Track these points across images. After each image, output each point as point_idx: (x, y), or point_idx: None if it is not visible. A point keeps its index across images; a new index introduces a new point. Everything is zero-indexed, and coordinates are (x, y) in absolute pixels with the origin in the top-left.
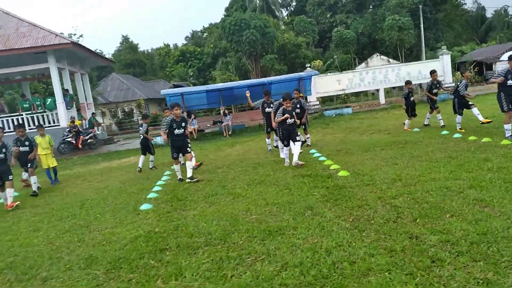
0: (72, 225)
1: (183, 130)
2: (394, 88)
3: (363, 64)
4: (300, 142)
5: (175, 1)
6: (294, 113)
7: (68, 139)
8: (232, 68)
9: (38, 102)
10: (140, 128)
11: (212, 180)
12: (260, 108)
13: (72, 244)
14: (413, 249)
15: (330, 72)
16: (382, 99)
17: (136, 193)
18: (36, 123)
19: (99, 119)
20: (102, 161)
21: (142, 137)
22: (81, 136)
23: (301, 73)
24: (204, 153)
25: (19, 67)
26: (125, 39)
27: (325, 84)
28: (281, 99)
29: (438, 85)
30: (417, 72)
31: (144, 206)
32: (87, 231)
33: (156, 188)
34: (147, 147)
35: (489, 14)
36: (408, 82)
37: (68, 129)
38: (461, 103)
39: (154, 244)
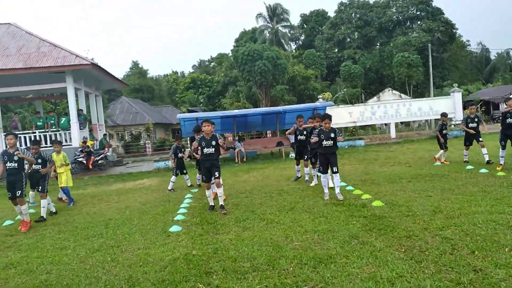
0: (101, 245)
1: (213, 149)
2: (402, 123)
3: (375, 98)
4: (338, 173)
5: (183, 30)
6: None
7: (80, 159)
8: (243, 97)
9: (53, 121)
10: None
11: (238, 204)
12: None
13: (107, 264)
14: (482, 283)
15: (337, 105)
16: (393, 133)
17: (161, 214)
18: (49, 142)
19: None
20: (114, 182)
21: (177, 158)
22: (92, 157)
23: (317, 103)
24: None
25: (36, 86)
26: (135, 64)
27: (336, 116)
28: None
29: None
30: (428, 108)
31: (174, 228)
32: (118, 251)
33: (181, 211)
34: (182, 167)
35: (493, 56)
36: (444, 115)
37: (80, 149)
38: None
39: (196, 267)
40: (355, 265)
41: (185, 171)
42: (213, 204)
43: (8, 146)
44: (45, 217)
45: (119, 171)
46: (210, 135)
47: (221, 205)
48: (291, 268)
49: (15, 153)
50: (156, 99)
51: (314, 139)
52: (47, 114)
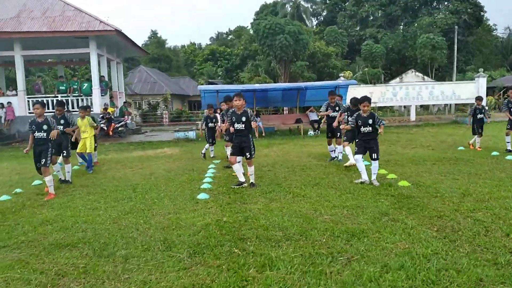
0: (132, 208)
1: (243, 125)
2: (421, 106)
3: (397, 79)
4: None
5: (201, 3)
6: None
7: (101, 125)
8: (262, 71)
9: (76, 86)
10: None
11: (262, 177)
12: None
13: (140, 225)
14: None
15: (358, 84)
16: (412, 116)
17: (187, 182)
18: (70, 106)
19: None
20: (134, 149)
21: (208, 128)
22: (113, 124)
23: (339, 81)
24: None
25: (59, 50)
26: (154, 33)
27: (357, 95)
28: (349, 104)
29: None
30: (451, 92)
31: (202, 196)
32: (150, 214)
33: (207, 180)
34: (213, 137)
35: None
36: (478, 98)
37: (101, 115)
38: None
39: (229, 233)
40: (389, 240)
41: (214, 142)
42: (243, 180)
43: (35, 116)
44: (70, 180)
45: (139, 139)
46: (242, 110)
47: (252, 182)
48: (324, 240)
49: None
50: (173, 70)
51: (346, 126)
52: (70, 79)
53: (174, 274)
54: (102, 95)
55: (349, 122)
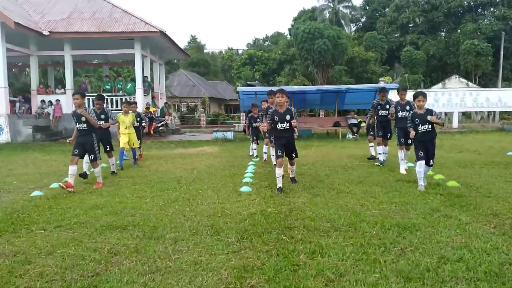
0: (177, 197)
1: (287, 124)
2: (463, 114)
3: (439, 85)
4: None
5: (240, 7)
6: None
7: (143, 124)
8: (299, 76)
9: (120, 86)
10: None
11: (303, 174)
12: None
13: (186, 213)
14: None
15: None
16: (455, 122)
17: (229, 176)
18: (115, 105)
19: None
20: (175, 147)
21: (252, 127)
22: (154, 123)
23: (380, 84)
24: None
25: (106, 50)
26: (193, 38)
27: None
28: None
29: None
30: (497, 99)
31: (244, 189)
32: (195, 203)
33: (248, 175)
34: (257, 136)
35: None
36: None
37: (144, 114)
38: None
39: (275, 222)
40: (443, 234)
41: (258, 141)
42: (281, 186)
43: (75, 106)
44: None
45: (179, 138)
46: (285, 108)
47: (292, 177)
48: (374, 232)
49: (79, 111)
50: (211, 74)
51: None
52: (116, 78)
53: (224, 257)
54: (144, 95)
55: (408, 124)
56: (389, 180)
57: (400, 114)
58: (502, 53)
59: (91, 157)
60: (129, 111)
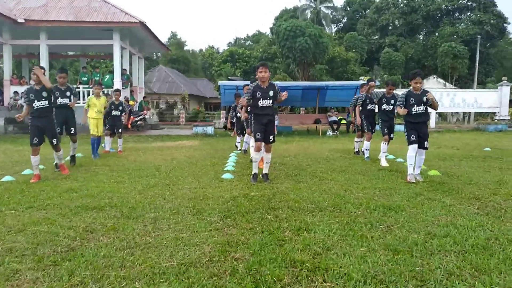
0: (157, 183)
1: (270, 101)
2: (439, 115)
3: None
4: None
5: (220, 6)
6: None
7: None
8: (280, 74)
9: (97, 77)
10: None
11: (285, 164)
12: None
13: (166, 196)
14: None
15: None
16: (432, 122)
17: (210, 166)
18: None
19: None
20: (154, 141)
21: (237, 118)
22: (132, 117)
23: (360, 82)
24: None
25: (84, 41)
26: (173, 35)
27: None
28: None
29: None
30: (473, 100)
31: (226, 176)
32: (175, 188)
33: (230, 163)
34: (243, 128)
35: None
36: None
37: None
38: None
39: (259, 204)
40: (428, 214)
41: (244, 133)
42: (257, 173)
43: (34, 83)
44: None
45: (157, 133)
46: (267, 83)
47: (265, 173)
48: (360, 212)
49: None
50: (191, 72)
51: (400, 110)
52: (94, 70)
53: (207, 233)
54: (123, 88)
55: (399, 102)
56: (371, 169)
57: (384, 107)
58: (478, 56)
59: (55, 141)
60: (101, 94)
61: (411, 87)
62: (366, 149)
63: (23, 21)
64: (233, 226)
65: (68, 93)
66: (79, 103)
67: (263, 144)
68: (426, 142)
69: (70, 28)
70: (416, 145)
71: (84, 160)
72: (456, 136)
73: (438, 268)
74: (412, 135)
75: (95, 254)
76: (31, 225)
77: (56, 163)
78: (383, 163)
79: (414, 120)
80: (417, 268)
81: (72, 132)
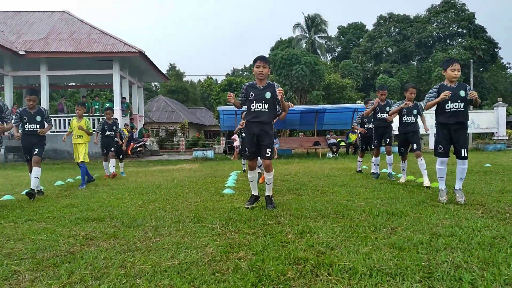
0: (157, 198)
1: (267, 105)
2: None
3: None
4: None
5: (218, 38)
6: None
7: (121, 138)
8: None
9: (97, 106)
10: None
11: (286, 181)
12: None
13: (167, 209)
14: None
15: None
16: (431, 143)
17: (211, 183)
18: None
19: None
20: (154, 165)
21: (243, 139)
22: (132, 143)
23: (358, 105)
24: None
25: (84, 71)
26: (172, 66)
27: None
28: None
29: None
30: (470, 121)
31: (227, 191)
32: (176, 203)
33: (230, 181)
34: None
35: None
36: None
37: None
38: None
39: (260, 212)
40: (432, 217)
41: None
42: (257, 194)
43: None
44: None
45: (157, 158)
46: (265, 83)
47: (269, 196)
48: (363, 218)
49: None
50: (190, 102)
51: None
52: (93, 99)
53: (208, 238)
54: (122, 116)
55: (426, 100)
56: (372, 183)
57: (379, 115)
58: (472, 80)
59: (36, 151)
60: (84, 117)
61: (442, 82)
62: (376, 164)
63: (24, 53)
64: (235, 232)
65: (38, 118)
66: (54, 131)
67: (259, 160)
68: (463, 150)
69: (70, 59)
70: (444, 159)
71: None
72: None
73: (445, 262)
74: (440, 146)
75: (95, 257)
76: (30, 235)
77: (29, 190)
78: (402, 180)
79: (448, 120)
80: (423, 263)
81: (36, 152)
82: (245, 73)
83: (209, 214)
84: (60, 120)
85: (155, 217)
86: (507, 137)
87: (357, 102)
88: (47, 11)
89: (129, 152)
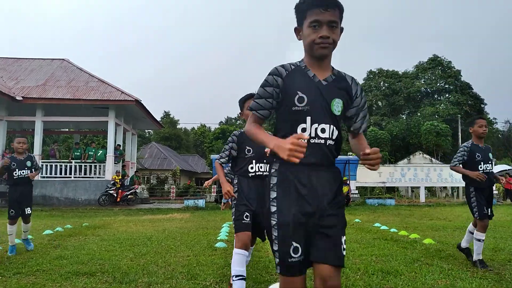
0: (149, 251)
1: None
2: (429, 191)
3: (405, 160)
4: None
5: (212, 87)
6: None
7: (111, 191)
8: None
9: (92, 152)
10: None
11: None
12: None
13: (159, 263)
14: None
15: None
16: (422, 197)
17: (203, 235)
18: (83, 172)
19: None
20: (144, 214)
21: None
22: (122, 191)
23: (350, 157)
24: None
25: (80, 117)
26: (167, 114)
27: (365, 174)
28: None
29: None
30: (460, 175)
31: (220, 244)
32: (168, 256)
33: (223, 233)
34: None
35: None
36: None
37: (112, 182)
38: None
39: (254, 270)
40: (428, 277)
41: None
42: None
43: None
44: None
45: (148, 206)
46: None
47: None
48: (358, 276)
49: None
50: (183, 149)
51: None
52: (89, 145)
53: None
54: (115, 163)
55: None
56: (366, 237)
57: (483, 166)
58: (460, 135)
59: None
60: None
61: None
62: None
63: (21, 98)
64: None
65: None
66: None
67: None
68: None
69: (66, 105)
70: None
71: (73, 231)
72: (447, 209)
73: None
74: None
75: None
76: None
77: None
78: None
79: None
80: None
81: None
82: (238, 121)
83: (202, 270)
84: (51, 166)
85: (147, 272)
86: (497, 191)
87: (348, 154)
88: (47, 59)
89: (119, 199)
